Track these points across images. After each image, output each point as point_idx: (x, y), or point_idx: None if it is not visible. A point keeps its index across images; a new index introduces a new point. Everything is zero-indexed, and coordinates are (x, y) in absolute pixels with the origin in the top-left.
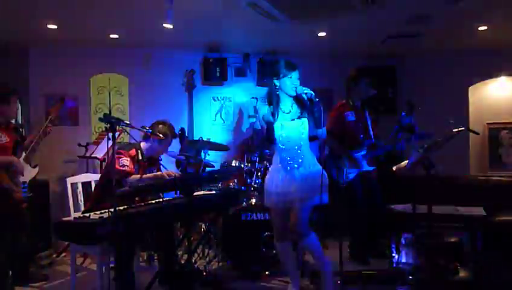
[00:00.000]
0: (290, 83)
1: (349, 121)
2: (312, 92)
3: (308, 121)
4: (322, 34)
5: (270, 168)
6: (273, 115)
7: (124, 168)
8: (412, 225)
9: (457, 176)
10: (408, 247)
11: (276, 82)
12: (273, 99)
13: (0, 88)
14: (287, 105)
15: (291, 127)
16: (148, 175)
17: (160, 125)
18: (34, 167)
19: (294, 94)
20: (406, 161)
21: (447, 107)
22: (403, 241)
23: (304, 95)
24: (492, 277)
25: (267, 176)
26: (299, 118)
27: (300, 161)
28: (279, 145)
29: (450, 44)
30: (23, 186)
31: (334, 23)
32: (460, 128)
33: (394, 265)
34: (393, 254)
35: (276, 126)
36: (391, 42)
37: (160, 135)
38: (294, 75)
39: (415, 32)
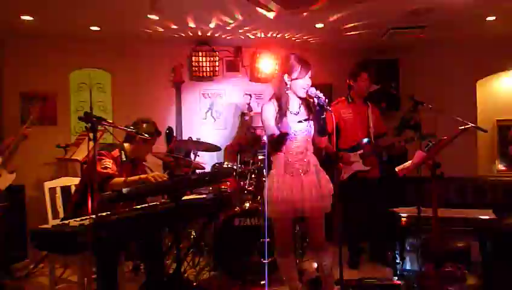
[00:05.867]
0: (303, 83)
1: (345, 119)
2: (324, 98)
3: (314, 125)
4: (319, 25)
5: (272, 173)
6: (280, 116)
7: (106, 171)
8: (416, 229)
9: (466, 177)
10: (413, 253)
11: (287, 80)
12: (281, 101)
13: None
14: (295, 105)
15: (298, 129)
16: (133, 178)
17: (144, 124)
18: (11, 172)
19: (304, 96)
20: (410, 161)
21: (454, 103)
22: (407, 247)
23: (315, 99)
24: (503, 284)
25: (269, 182)
26: (306, 120)
27: (307, 165)
28: (284, 147)
29: (457, 35)
30: None
31: (332, 14)
32: (467, 126)
33: (398, 272)
34: (398, 261)
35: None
36: (393, 34)
37: (146, 135)
38: (308, 74)
39: (419, 23)
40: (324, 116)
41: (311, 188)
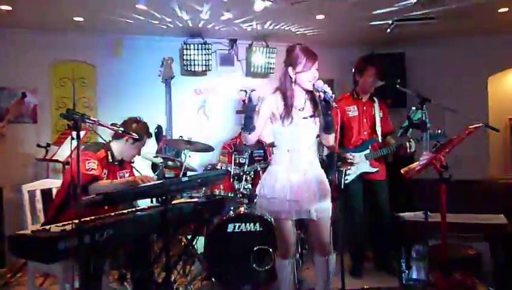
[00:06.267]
0: (310, 76)
1: (350, 117)
2: (331, 94)
3: (320, 122)
4: (320, 17)
5: (273, 170)
6: (286, 112)
7: (90, 172)
8: (423, 236)
9: (476, 179)
10: (420, 261)
11: (292, 74)
12: (287, 96)
13: None
14: (300, 101)
15: (303, 126)
16: (120, 180)
17: (134, 124)
18: None
19: (311, 89)
20: (417, 163)
21: (464, 100)
22: (413, 254)
23: (321, 94)
24: None
25: (268, 180)
26: (312, 116)
27: (310, 163)
28: (288, 144)
29: (467, 28)
30: None
31: (334, 4)
32: (478, 125)
33: (404, 281)
34: (403, 269)
35: (287, 124)
36: (399, 27)
37: (134, 135)
38: (314, 66)
39: (426, 15)
40: (331, 112)
41: (316, 188)
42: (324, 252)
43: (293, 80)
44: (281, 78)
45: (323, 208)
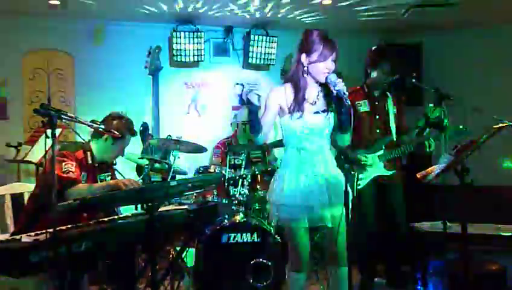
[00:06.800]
0: (324, 67)
1: (361, 113)
2: (345, 90)
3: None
4: (326, 1)
5: (282, 174)
6: (297, 105)
7: (68, 175)
8: (442, 249)
9: (500, 186)
10: (437, 276)
11: (305, 62)
12: (299, 87)
13: None
14: (313, 94)
15: (315, 122)
16: (100, 184)
17: (115, 121)
18: None
19: (323, 81)
20: (435, 166)
21: (489, 97)
22: (430, 269)
23: (333, 89)
24: None
25: (276, 184)
26: (324, 111)
27: (324, 164)
28: (298, 143)
29: (491, 15)
30: None
31: None
32: (503, 124)
33: None
34: (419, 286)
35: (296, 119)
36: (415, 13)
37: (116, 133)
38: (331, 57)
39: (446, 0)
40: (345, 109)
41: (331, 191)
42: (340, 263)
43: (306, 69)
44: (293, 66)
45: (340, 214)
